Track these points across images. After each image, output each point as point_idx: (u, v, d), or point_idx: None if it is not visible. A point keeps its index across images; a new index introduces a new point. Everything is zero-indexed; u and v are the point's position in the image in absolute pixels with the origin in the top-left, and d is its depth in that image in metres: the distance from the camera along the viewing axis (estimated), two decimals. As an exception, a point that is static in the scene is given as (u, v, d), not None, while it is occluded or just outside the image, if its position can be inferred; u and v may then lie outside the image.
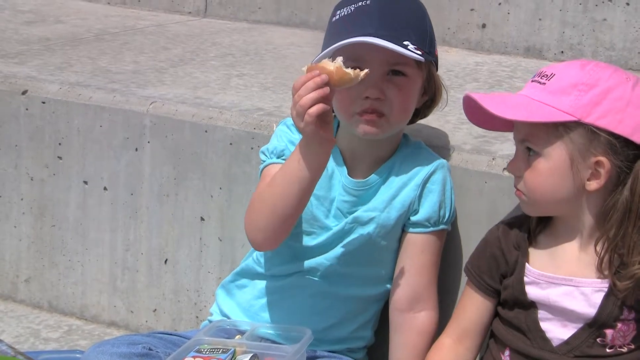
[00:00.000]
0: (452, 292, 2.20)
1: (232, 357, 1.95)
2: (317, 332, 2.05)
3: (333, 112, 1.98)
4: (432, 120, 2.30)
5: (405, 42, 1.96)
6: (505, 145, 2.24)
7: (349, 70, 1.84)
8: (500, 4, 3.26)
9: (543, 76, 1.88)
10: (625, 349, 1.88)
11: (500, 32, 3.26)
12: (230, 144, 2.44)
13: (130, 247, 2.64)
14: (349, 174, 2.10)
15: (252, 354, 1.95)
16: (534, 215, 1.94)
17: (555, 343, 1.89)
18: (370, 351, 2.21)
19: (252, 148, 2.40)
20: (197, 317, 2.56)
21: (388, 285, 2.14)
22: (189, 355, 1.94)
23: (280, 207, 1.98)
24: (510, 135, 1.96)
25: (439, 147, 2.23)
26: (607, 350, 1.87)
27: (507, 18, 3.25)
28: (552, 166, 1.84)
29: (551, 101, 1.83)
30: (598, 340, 1.87)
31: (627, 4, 3.10)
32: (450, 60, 3.09)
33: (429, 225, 2.09)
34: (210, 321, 2.22)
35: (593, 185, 1.83)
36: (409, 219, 2.10)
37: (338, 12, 2.05)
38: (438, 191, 2.09)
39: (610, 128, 1.80)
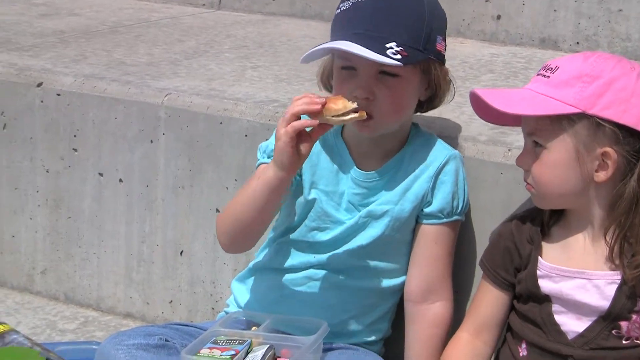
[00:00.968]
0: (467, 285, 2.19)
1: (249, 348, 1.95)
2: (333, 326, 2.06)
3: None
4: (446, 111, 2.29)
5: (389, 45, 1.93)
6: (521, 137, 2.19)
7: (350, 104, 1.89)
8: (515, -6, 3.25)
9: (548, 69, 1.87)
10: (641, 341, 1.88)
11: (515, 24, 3.25)
12: (245, 135, 2.45)
13: (145, 239, 2.64)
14: (357, 167, 2.10)
15: (268, 345, 1.96)
16: (545, 208, 1.93)
17: (570, 336, 1.88)
18: (387, 343, 2.21)
19: (267, 139, 2.40)
20: (212, 308, 2.56)
21: (403, 278, 2.14)
22: (206, 346, 1.95)
23: (240, 213, 2.04)
24: (526, 126, 1.96)
25: (454, 138, 2.23)
26: (624, 342, 1.86)
27: (522, 9, 3.23)
28: (558, 159, 1.84)
29: (555, 94, 1.83)
30: (613, 332, 1.86)
31: (643, -6, 3.09)
32: (465, 52, 3.08)
33: (443, 216, 2.09)
34: (226, 312, 2.23)
35: (601, 176, 1.83)
36: (422, 210, 2.09)
37: (340, 5, 2.05)
38: (451, 182, 2.08)
39: (615, 118, 1.80)
